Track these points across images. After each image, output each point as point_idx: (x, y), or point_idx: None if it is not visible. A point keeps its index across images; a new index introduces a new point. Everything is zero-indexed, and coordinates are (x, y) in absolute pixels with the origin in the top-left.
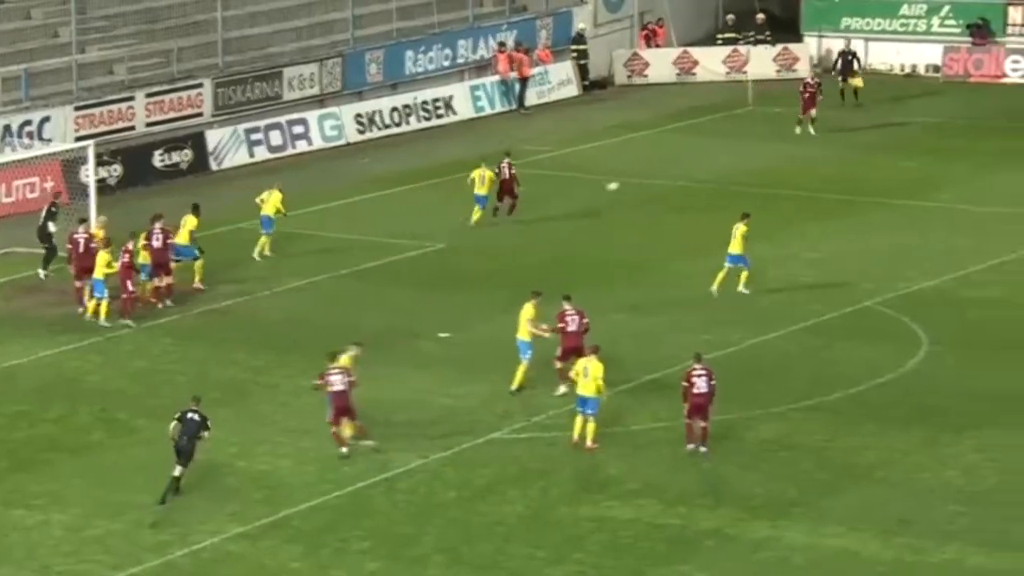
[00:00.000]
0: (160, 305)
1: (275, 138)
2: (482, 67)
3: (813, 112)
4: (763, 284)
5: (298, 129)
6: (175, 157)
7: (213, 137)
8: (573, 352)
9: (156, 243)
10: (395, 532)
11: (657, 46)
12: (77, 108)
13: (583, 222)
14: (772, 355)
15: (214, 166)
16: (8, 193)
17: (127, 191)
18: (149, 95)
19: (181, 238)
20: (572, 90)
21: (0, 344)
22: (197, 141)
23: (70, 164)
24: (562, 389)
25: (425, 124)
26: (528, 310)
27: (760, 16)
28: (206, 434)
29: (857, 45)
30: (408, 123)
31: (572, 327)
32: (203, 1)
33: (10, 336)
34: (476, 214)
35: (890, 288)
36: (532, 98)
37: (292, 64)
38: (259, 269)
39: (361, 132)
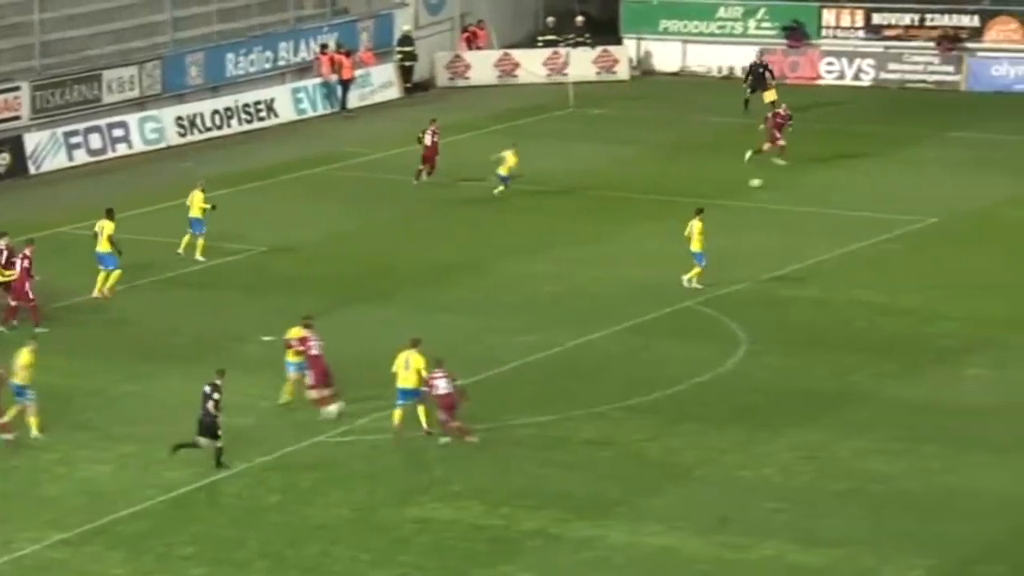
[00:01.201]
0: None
1: (95, 141)
2: (304, 69)
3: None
4: (583, 285)
5: (118, 132)
6: None
7: (31, 140)
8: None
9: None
10: (219, 537)
11: (478, 48)
12: None
13: (408, 223)
14: (594, 355)
15: (33, 170)
16: None
17: None
18: None
19: (102, 246)
20: (394, 92)
21: None
22: (15, 145)
23: None
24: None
25: (247, 127)
26: (416, 359)
27: (579, 19)
28: (211, 404)
29: (674, 48)
30: (230, 126)
31: (315, 351)
32: (20, 3)
33: None
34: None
35: (709, 288)
36: (355, 100)
37: (111, 67)
38: (81, 275)
39: (182, 135)
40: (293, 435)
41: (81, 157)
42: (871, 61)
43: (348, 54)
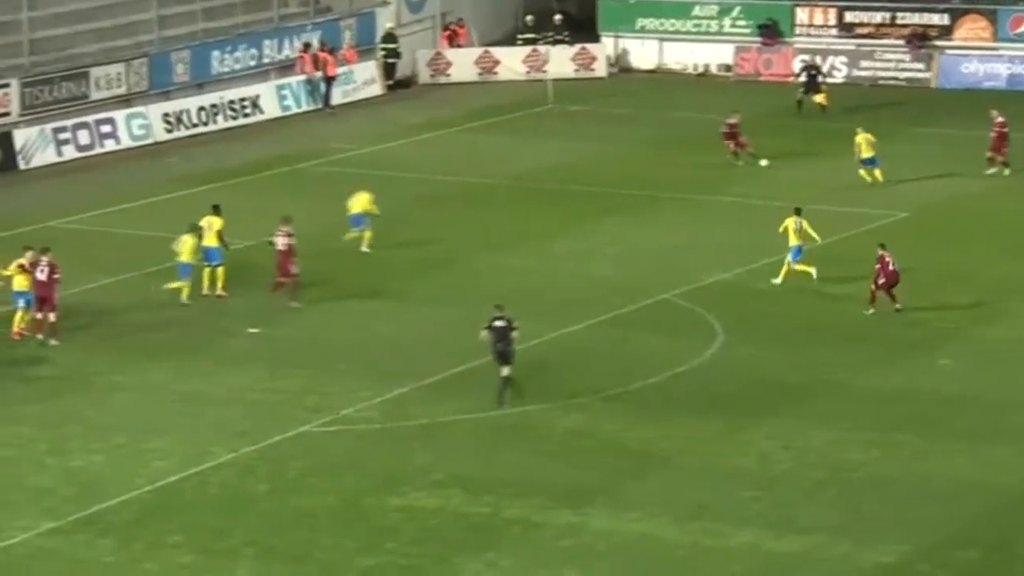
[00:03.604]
0: (46, 341)
1: (83, 137)
2: (288, 67)
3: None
4: (563, 278)
5: (106, 128)
6: None
7: (21, 136)
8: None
9: (41, 276)
10: (207, 525)
11: (459, 46)
12: None
13: (388, 218)
14: (574, 347)
15: (22, 165)
16: None
17: None
18: None
19: (209, 240)
20: (376, 89)
21: None
22: (4, 140)
23: None
24: None
25: (232, 123)
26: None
27: (558, 17)
28: (515, 333)
29: (651, 45)
30: (215, 122)
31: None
32: (8, 1)
33: None
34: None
35: (686, 281)
36: (338, 97)
37: (98, 64)
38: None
39: (169, 131)
40: (279, 425)
41: (70, 153)
42: (843, 59)
43: (332, 51)
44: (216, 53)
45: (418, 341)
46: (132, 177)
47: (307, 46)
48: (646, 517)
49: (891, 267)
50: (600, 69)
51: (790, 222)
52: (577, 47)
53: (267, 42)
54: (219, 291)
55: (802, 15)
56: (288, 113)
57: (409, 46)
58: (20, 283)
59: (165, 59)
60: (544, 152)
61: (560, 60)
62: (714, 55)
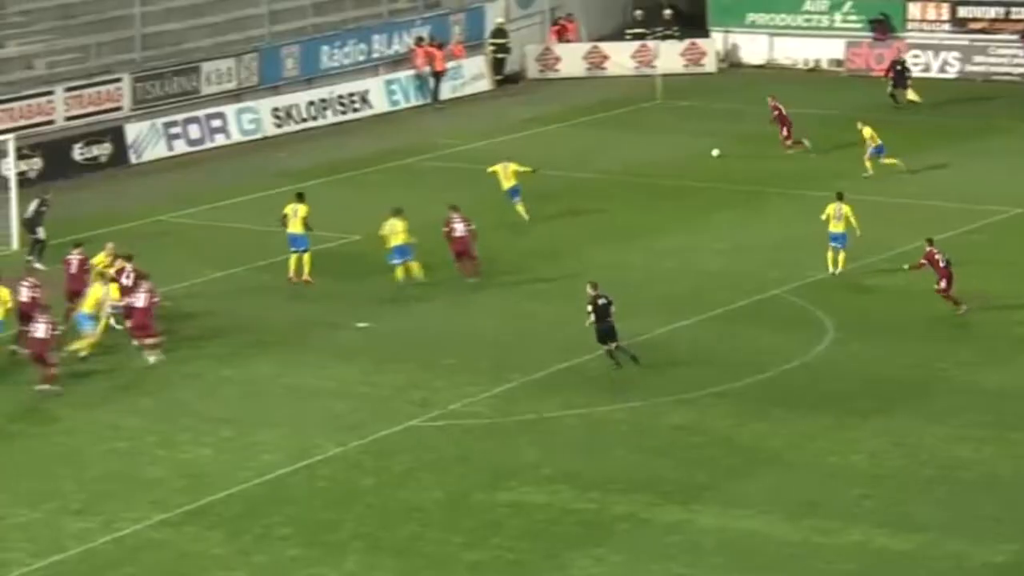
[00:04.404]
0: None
1: (193, 132)
2: (397, 62)
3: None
4: (671, 273)
5: (216, 123)
6: (95, 151)
7: (132, 131)
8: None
9: (127, 281)
10: (315, 519)
11: (568, 41)
12: None
13: (496, 213)
14: (682, 343)
15: (133, 159)
16: None
17: (47, 184)
18: (68, 89)
19: (295, 227)
20: (485, 84)
21: None
22: (116, 135)
23: None
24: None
25: (341, 118)
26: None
27: (667, 12)
28: (613, 308)
29: (761, 41)
30: (324, 117)
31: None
32: None
33: None
34: (519, 208)
35: (796, 277)
36: (446, 92)
37: (209, 59)
38: (176, 262)
39: (278, 126)
40: (387, 420)
41: (180, 147)
42: (956, 54)
43: (440, 47)
44: (326, 48)
45: (525, 336)
46: (241, 172)
47: (420, 40)
48: (755, 514)
49: (942, 264)
50: (709, 64)
51: (831, 208)
52: (686, 42)
53: (376, 37)
54: (305, 277)
55: (914, 10)
56: (397, 108)
57: (518, 41)
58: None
59: (275, 54)
60: (652, 147)
61: (669, 55)
62: (825, 50)
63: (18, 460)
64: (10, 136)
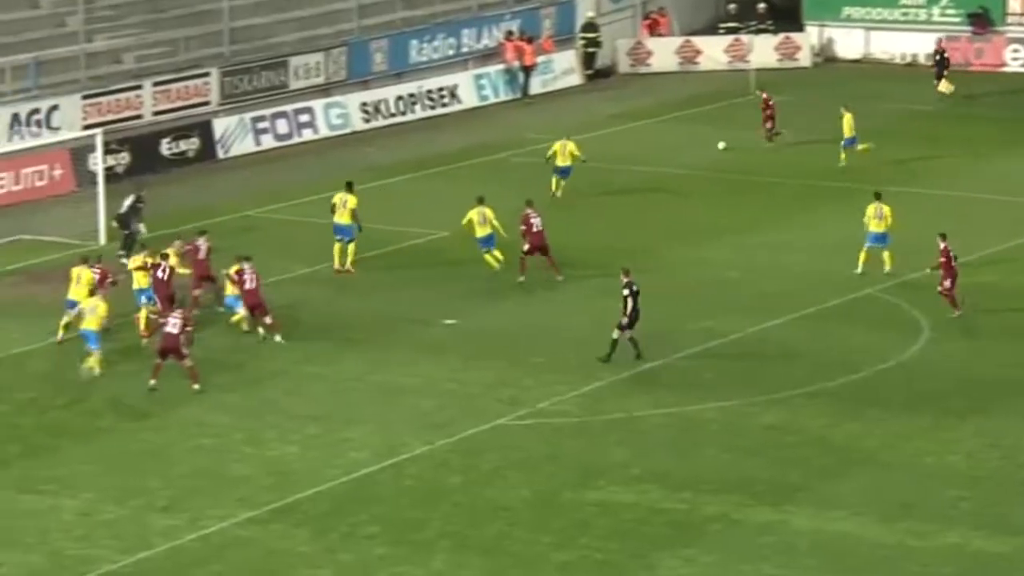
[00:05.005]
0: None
1: (281, 127)
2: (486, 56)
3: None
4: (762, 271)
5: (304, 118)
6: (183, 145)
7: (220, 125)
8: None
9: (250, 285)
10: (402, 517)
11: (660, 35)
12: (85, 97)
13: (586, 209)
14: (775, 342)
15: (221, 154)
16: (17, 181)
17: (137, 180)
18: (156, 84)
19: (343, 217)
20: (575, 79)
21: (9, 331)
22: (204, 129)
23: (78, 152)
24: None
25: (430, 112)
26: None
27: (761, 5)
28: (638, 300)
29: (857, 35)
30: (413, 111)
31: (249, 284)
32: None
33: (19, 323)
34: (556, 186)
35: (890, 275)
36: (536, 87)
37: (297, 53)
38: (263, 258)
39: (367, 121)
40: (475, 418)
41: (268, 142)
42: None
43: (530, 41)
44: (415, 42)
45: (606, 335)
46: (329, 167)
47: (510, 34)
48: (849, 515)
49: (954, 264)
50: (804, 59)
51: (871, 209)
52: (781, 36)
53: (466, 31)
54: (348, 266)
55: (1014, 3)
56: (486, 103)
57: (609, 35)
58: (140, 280)
59: (364, 48)
60: (745, 143)
61: (763, 50)
62: (922, 45)
63: (105, 456)
64: (98, 131)
